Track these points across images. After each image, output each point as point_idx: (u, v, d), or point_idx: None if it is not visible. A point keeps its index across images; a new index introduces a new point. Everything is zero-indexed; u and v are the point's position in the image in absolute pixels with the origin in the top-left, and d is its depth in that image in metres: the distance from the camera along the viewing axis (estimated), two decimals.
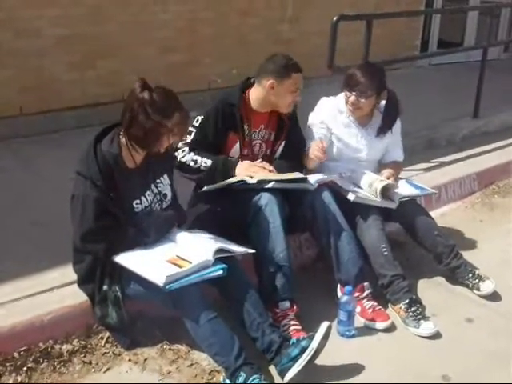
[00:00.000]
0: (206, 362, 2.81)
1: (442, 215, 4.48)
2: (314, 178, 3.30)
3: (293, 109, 3.51)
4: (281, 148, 3.52)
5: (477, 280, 3.47)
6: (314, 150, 3.38)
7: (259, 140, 3.46)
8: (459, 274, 3.51)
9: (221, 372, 2.73)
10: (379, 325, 3.17)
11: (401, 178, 3.84)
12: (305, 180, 3.29)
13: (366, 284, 3.26)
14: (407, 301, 3.23)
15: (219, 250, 2.77)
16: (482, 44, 6.41)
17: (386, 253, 3.35)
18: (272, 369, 2.78)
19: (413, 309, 3.20)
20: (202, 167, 3.26)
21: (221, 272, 2.73)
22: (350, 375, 2.83)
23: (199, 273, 2.69)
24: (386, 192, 3.50)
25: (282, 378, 2.71)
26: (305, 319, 3.08)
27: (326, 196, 3.33)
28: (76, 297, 2.93)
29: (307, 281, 3.47)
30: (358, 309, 3.21)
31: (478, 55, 6.18)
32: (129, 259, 2.74)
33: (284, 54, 3.34)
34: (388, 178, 3.60)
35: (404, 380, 2.81)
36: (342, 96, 3.66)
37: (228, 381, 2.65)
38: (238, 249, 2.92)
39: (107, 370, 2.80)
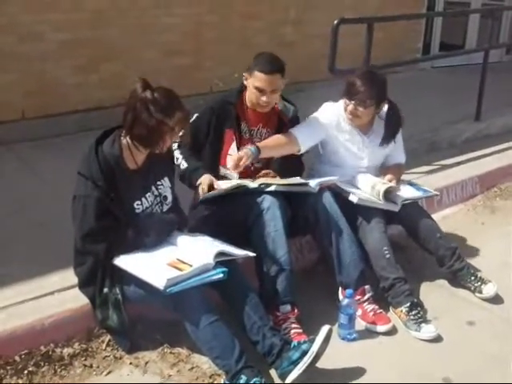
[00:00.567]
0: (206, 366, 2.81)
1: (444, 218, 4.46)
2: (314, 182, 3.30)
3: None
4: None
5: (479, 283, 3.46)
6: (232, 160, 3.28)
7: (258, 138, 3.48)
8: (461, 276, 3.51)
9: (221, 375, 2.72)
10: (380, 328, 3.17)
11: (403, 180, 3.84)
12: (306, 184, 3.30)
13: (367, 287, 3.26)
14: (408, 304, 3.22)
15: (220, 254, 2.78)
16: (483, 46, 6.39)
17: (387, 256, 3.35)
18: (273, 372, 2.77)
19: (414, 312, 3.19)
20: (181, 166, 3.35)
21: (221, 275, 2.73)
22: (351, 378, 2.82)
23: (200, 276, 2.69)
24: (388, 194, 3.51)
25: (283, 381, 2.70)
26: (306, 322, 3.08)
27: (328, 198, 3.34)
28: (77, 300, 2.93)
29: (308, 283, 3.47)
30: (359, 312, 3.20)
31: (480, 58, 6.18)
32: (129, 262, 2.74)
33: (270, 54, 3.37)
34: (390, 181, 3.60)
35: None
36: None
37: None
38: (239, 252, 2.92)
39: (108, 373, 2.80)
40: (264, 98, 3.31)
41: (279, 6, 6.93)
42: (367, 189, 3.54)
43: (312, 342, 2.73)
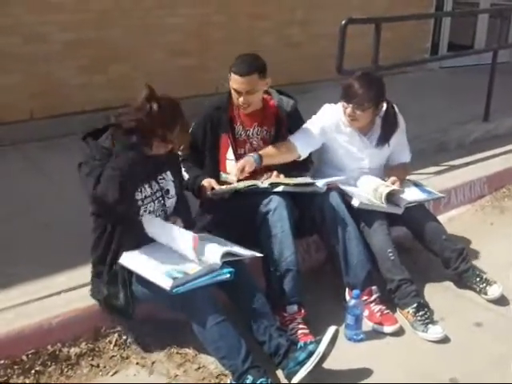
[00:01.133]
0: (213, 366, 2.81)
1: (452, 218, 4.45)
2: (321, 182, 3.30)
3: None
4: None
5: (484, 284, 3.45)
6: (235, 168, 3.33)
7: (256, 138, 3.48)
8: (466, 278, 3.49)
9: (228, 375, 2.73)
10: (387, 329, 3.16)
11: (409, 180, 3.83)
12: (313, 184, 3.30)
13: (374, 288, 3.25)
14: (415, 305, 3.21)
15: (227, 254, 2.78)
16: (492, 47, 6.36)
17: (392, 257, 3.34)
18: (279, 372, 2.77)
19: (421, 313, 3.18)
20: (184, 178, 3.35)
21: (228, 276, 2.74)
22: (358, 379, 2.82)
23: (206, 276, 2.70)
24: (391, 197, 3.50)
25: (289, 381, 2.70)
26: (312, 323, 3.07)
27: (335, 198, 3.34)
28: (84, 300, 2.94)
29: (315, 284, 3.47)
30: (366, 312, 3.19)
31: (489, 58, 6.15)
32: (135, 262, 2.75)
33: (248, 55, 3.36)
34: (393, 184, 3.59)
35: None
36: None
37: None
38: (246, 252, 2.92)
39: (115, 373, 2.81)
40: (241, 99, 3.32)
41: (286, 7, 6.90)
42: (370, 191, 3.53)
43: (318, 342, 2.72)
